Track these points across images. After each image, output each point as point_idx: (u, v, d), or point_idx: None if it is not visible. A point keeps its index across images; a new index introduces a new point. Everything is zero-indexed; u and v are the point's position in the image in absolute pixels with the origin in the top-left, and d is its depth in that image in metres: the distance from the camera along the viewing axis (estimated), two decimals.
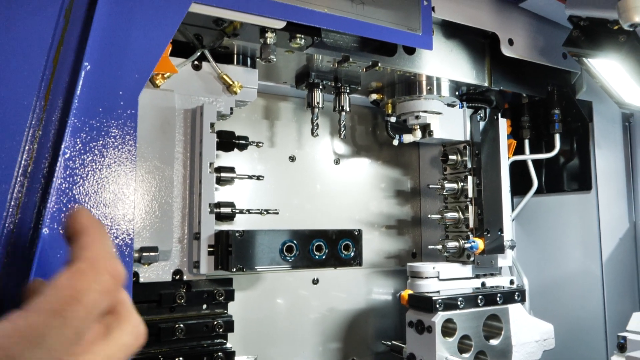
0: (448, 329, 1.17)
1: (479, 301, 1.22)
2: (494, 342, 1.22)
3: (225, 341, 1.08)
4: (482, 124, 1.37)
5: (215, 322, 1.06)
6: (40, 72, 0.67)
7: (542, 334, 1.28)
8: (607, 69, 1.15)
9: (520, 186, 1.54)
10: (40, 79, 0.67)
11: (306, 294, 1.34)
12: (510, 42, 1.24)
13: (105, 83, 0.69)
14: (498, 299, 1.24)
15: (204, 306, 1.08)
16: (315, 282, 1.35)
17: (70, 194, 0.66)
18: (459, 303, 1.18)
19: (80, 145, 0.67)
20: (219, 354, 1.04)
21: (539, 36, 1.28)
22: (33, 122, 0.66)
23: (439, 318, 1.14)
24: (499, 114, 1.36)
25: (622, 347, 0.97)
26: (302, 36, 0.96)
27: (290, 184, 1.35)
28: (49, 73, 0.67)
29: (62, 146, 0.66)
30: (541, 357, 1.29)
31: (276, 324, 1.29)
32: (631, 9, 0.80)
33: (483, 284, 1.30)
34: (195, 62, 1.02)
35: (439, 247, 1.33)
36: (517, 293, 1.29)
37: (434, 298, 1.15)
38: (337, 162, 1.44)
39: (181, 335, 1.02)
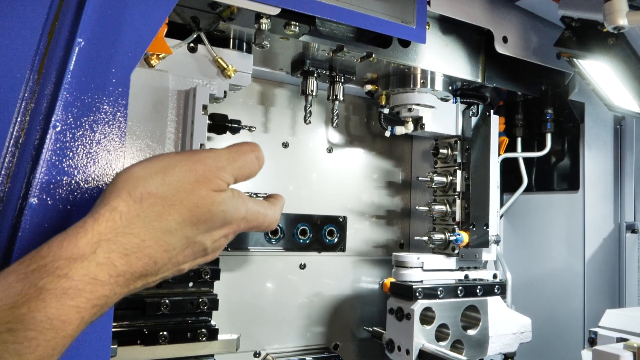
0: (427, 317, 1.20)
1: (459, 292, 1.24)
2: (471, 332, 1.25)
3: (209, 319, 1.11)
4: (474, 119, 1.39)
5: (200, 300, 1.09)
6: (34, 46, 0.68)
7: (519, 327, 1.31)
8: (597, 70, 1.16)
9: (510, 183, 1.57)
10: (34, 53, 0.68)
11: (293, 278, 1.37)
12: (505, 39, 1.25)
13: (98, 60, 0.71)
14: (478, 290, 1.27)
15: (190, 284, 1.11)
16: (303, 267, 1.38)
17: (60, 166, 0.68)
18: (438, 292, 1.21)
19: (71, 119, 0.69)
20: (203, 330, 1.07)
21: (533, 35, 1.29)
22: (26, 95, 0.68)
23: (418, 306, 1.16)
24: (492, 111, 1.38)
25: (592, 342, 1.00)
26: (297, 24, 0.98)
27: (282, 171, 1.37)
28: (43, 47, 0.69)
29: (53, 119, 0.68)
30: (517, 350, 1.33)
31: (261, 306, 1.32)
32: (615, 12, 0.81)
33: (466, 277, 1.33)
34: (191, 45, 1.03)
35: (425, 238, 1.35)
36: (497, 286, 1.32)
37: (414, 286, 1.18)
38: (330, 150, 1.46)
39: (166, 311, 1.05)
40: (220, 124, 1.14)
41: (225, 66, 1.05)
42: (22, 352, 0.42)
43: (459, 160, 1.39)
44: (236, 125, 1.16)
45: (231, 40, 1.10)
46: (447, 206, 1.39)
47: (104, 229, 0.50)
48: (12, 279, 0.46)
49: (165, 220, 0.53)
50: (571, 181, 1.49)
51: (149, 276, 0.53)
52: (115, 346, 0.93)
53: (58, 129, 0.68)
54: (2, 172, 0.65)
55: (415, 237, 1.39)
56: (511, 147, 1.51)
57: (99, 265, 0.48)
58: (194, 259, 0.58)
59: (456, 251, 1.35)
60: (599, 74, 1.17)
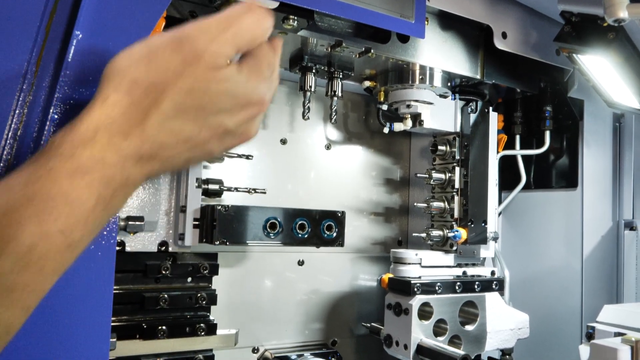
0: (425, 313, 1.20)
1: (457, 287, 1.24)
2: (469, 327, 1.25)
3: (208, 314, 1.12)
4: (473, 116, 1.38)
5: (199, 295, 1.09)
6: (32, 39, 0.68)
7: (517, 323, 1.31)
8: (597, 66, 1.16)
9: (509, 181, 1.57)
10: (32, 46, 0.68)
11: (291, 275, 1.37)
12: (504, 35, 1.25)
13: (96, 53, 0.71)
14: (476, 286, 1.27)
15: (189, 279, 1.11)
16: (301, 263, 1.38)
17: None
18: (436, 288, 1.21)
19: (69, 112, 0.69)
20: (201, 325, 1.07)
21: (532, 31, 1.29)
22: (24, 87, 0.68)
23: (416, 301, 1.17)
24: (490, 108, 1.38)
25: (590, 337, 1.00)
26: (295, 18, 0.97)
27: (280, 167, 1.37)
28: (41, 40, 0.69)
29: (52, 112, 0.68)
30: (515, 346, 1.33)
31: (260, 302, 1.32)
32: (616, 4, 0.81)
33: (464, 273, 1.33)
34: None
35: (424, 235, 1.35)
36: (495, 282, 1.32)
37: (412, 282, 1.18)
38: (328, 147, 1.46)
39: (165, 306, 1.05)
40: None
41: None
42: (43, 220, 0.44)
43: (457, 157, 1.39)
44: None
45: None
46: (446, 203, 1.39)
47: (99, 116, 0.49)
48: (24, 166, 0.48)
49: (160, 107, 0.50)
50: (570, 179, 1.49)
51: (160, 159, 0.52)
52: (114, 340, 0.93)
53: (56, 121, 0.68)
54: (1, 164, 0.65)
55: (414, 234, 1.39)
56: (510, 145, 1.51)
57: (103, 147, 0.48)
58: (219, 141, 0.54)
59: (454, 248, 1.35)
60: (599, 69, 1.17)
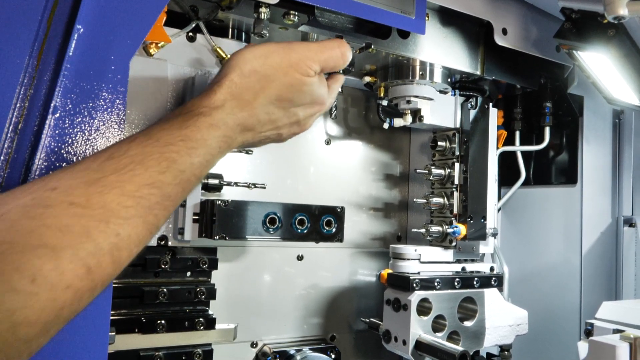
0: (423, 308, 1.20)
1: (456, 283, 1.25)
2: (467, 323, 1.25)
3: (207, 308, 1.12)
4: (472, 112, 1.39)
5: (198, 289, 1.09)
6: (34, 32, 0.68)
7: (516, 319, 1.32)
8: (597, 63, 1.17)
9: (508, 177, 1.57)
10: (33, 39, 0.68)
11: (290, 270, 1.37)
12: (504, 31, 1.25)
13: (98, 47, 0.71)
14: (475, 282, 1.28)
15: (188, 273, 1.11)
16: (300, 258, 1.38)
17: (59, 152, 0.68)
18: (435, 284, 1.21)
19: (70, 105, 0.69)
20: (200, 319, 1.07)
21: (533, 27, 1.29)
22: (25, 81, 0.68)
23: (415, 297, 1.17)
24: (490, 104, 1.38)
25: (588, 333, 1.01)
26: (296, 13, 0.97)
27: (280, 162, 1.37)
28: (42, 34, 0.69)
29: (52, 105, 0.68)
30: (514, 342, 1.33)
31: (259, 297, 1.32)
32: (616, 1, 0.81)
33: (463, 269, 1.33)
34: (190, 34, 1.03)
35: (423, 230, 1.35)
36: (494, 278, 1.32)
37: (411, 277, 1.18)
38: (328, 142, 1.46)
39: (164, 300, 1.05)
40: None
41: (224, 56, 1.05)
42: (191, 154, 0.63)
43: (457, 152, 1.39)
44: None
45: (230, 29, 1.09)
46: (445, 199, 1.39)
47: (226, 91, 0.70)
48: (171, 117, 0.66)
49: (267, 92, 0.72)
50: (569, 175, 1.50)
51: (254, 131, 0.74)
52: (113, 333, 0.93)
53: (57, 115, 0.68)
54: (2, 157, 0.66)
55: (413, 230, 1.39)
56: (509, 141, 1.51)
57: (227, 115, 0.69)
58: (290, 127, 0.79)
59: (453, 244, 1.35)
60: (599, 66, 1.17)
